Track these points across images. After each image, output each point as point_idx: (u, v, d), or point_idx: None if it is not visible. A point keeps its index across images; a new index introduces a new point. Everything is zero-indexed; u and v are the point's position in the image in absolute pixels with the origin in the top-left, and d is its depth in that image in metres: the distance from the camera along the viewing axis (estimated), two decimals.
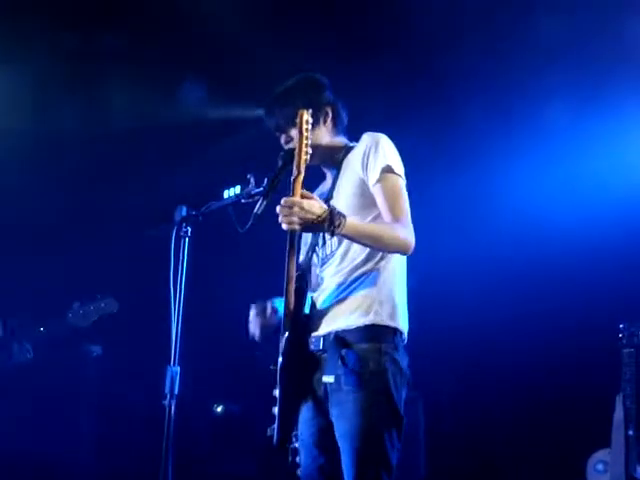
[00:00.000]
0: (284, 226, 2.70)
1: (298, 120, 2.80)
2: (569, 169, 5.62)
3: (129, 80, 5.71)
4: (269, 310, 3.09)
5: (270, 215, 2.96)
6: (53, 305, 5.24)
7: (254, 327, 3.10)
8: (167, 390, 3.09)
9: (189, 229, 3.22)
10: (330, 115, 3.12)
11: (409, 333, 2.98)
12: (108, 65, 5.69)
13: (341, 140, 3.15)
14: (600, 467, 4.64)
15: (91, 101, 5.78)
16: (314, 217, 2.67)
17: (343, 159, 3.08)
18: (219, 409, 6.64)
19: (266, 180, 3.04)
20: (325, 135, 3.11)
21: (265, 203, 2.92)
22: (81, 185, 6.06)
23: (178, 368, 3.10)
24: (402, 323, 2.92)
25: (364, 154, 2.96)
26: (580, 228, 5.39)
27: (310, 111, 2.82)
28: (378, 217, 2.91)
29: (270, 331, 3.07)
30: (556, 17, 5.10)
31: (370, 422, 2.76)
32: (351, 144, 3.13)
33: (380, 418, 2.78)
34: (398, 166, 2.95)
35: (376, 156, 2.92)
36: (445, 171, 5.74)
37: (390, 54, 5.50)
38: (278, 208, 2.70)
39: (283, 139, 3.11)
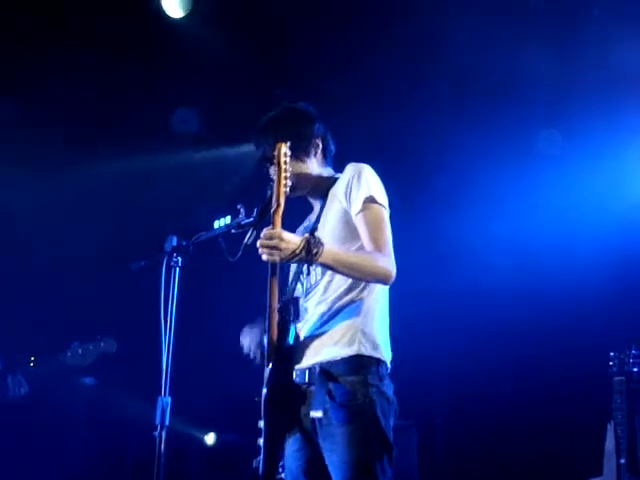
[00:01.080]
0: (264, 257, 2.72)
1: (276, 153, 2.81)
2: (559, 199, 5.65)
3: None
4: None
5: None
6: (48, 339, 5.23)
7: (250, 345, 3.11)
8: (158, 421, 3.05)
9: (180, 259, 3.20)
10: (320, 147, 3.15)
11: (402, 363, 3.02)
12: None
13: (329, 171, 3.18)
14: None
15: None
16: (294, 247, 2.70)
17: (329, 190, 3.09)
18: (210, 440, 6.60)
19: (255, 210, 3.06)
20: (314, 167, 3.13)
21: (255, 233, 2.95)
22: (74, 219, 6.08)
23: (169, 399, 3.07)
24: (385, 353, 2.94)
25: (347, 185, 2.97)
26: (568, 258, 5.41)
27: (289, 143, 2.83)
28: (362, 248, 2.92)
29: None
30: (547, 47, 5.19)
31: (362, 454, 2.77)
32: (337, 175, 3.15)
33: (371, 449, 2.79)
34: (381, 196, 2.97)
35: (359, 186, 2.93)
36: (433, 202, 5.75)
37: (377, 78, 5.57)
38: (258, 241, 2.73)
39: (272, 170, 3.06)
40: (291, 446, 2.91)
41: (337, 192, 3.02)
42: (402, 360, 3.05)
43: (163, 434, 3.05)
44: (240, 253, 2.98)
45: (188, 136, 6.14)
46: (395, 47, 5.47)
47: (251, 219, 3.07)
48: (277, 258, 2.71)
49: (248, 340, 3.12)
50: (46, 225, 5.92)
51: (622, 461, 4.49)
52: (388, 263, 2.84)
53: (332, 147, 3.21)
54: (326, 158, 3.18)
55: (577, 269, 5.36)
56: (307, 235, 2.75)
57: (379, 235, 2.88)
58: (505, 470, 5.53)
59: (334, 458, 2.80)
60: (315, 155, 3.14)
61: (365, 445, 2.78)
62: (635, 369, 4.65)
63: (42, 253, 5.97)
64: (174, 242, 3.21)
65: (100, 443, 6.06)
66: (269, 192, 3.01)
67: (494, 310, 5.59)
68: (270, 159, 3.05)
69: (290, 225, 2.92)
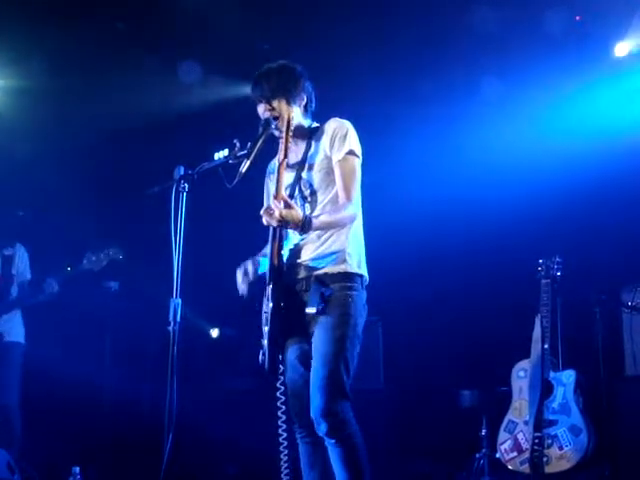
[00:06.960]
0: (263, 220, 2.92)
1: (286, 117, 3.03)
2: (495, 129, 5.60)
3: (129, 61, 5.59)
4: (251, 269, 3.21)
5: (252, 173, 3.04)
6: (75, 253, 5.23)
7: (241, 285, 3.21)
8: (171, 318, 3.07)
9: (186, 185, 3.16)
10: (305, 101, 3.24)
11: (376, 271, 3.20)
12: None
13: (308, 122, 3.28)
14: (522, 374, 4.73)
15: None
16: (291, 224, 2.92)
17: (312, 135, 3.21)
18: (214, 334, 6.66)
19: (249, 144, 3.08)
20: (298, 114, 3.20)
21: (249, 163, 3.02)
22: (95, 154, 5.99)
23: (180, 300, 3.09)
24: (364, 270, 3.15)
25: (332, 136, 3.12)
26: (506, 179, 5.43)
27: (294, 112, 3.09)
28: (336, 194, 3.10)
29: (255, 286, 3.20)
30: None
31: (338, 334, 3.00)
32: (315, 124, 3.27)
33: (346, 333, 3.02)
34: (359, 150, 3.14)
35: (343, 140, 3.09)
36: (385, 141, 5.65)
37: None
38: (263, 210, 2.90)
39: (262, 108, 3.19)
40: (291, 341, 3.13)
41: (321, 139, 3.15)
42: (377, 270, 3.19)
43: (175, 329, 3.06)
44: (236, 180, 3.02)
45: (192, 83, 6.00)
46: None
47: (245, 151, 3.07)
48: (273, 224, 2.92)
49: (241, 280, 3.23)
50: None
51: (546, 346, 4.58)
52: (354, 209, 3.08)
53: (314, 104, 3.30)
54: (307, 111, 3.26)
55: (514, 193, 5.39)
56: (305, 217, 2.95)
57: (350, 185, 3.08)
58: (453, 356, 5.64)
59: (319, 337, 3.01)
60: (300, 106, 3.21)
61: (342, 329, 3.00)
62: (558, 273, 4.73)
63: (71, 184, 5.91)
64: (182, 171, 3.18)
65: (125, 334, 6.12)
66: (260, 129, 3.13)
67: (450, 229, 5.65)
68: (265, 99, 3.16)
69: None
